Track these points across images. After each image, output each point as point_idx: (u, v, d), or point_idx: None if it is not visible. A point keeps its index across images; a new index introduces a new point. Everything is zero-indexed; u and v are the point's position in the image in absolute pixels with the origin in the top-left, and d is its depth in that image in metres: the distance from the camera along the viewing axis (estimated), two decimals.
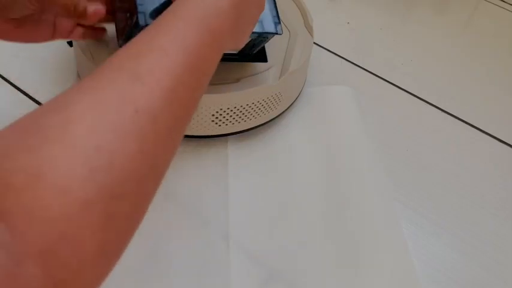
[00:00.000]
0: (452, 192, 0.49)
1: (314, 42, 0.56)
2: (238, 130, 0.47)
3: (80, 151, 0.19)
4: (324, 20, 0.70)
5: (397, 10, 0.75)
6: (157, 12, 0.36)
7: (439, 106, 0.59)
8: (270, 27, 0.40)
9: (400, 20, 0.74)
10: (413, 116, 0.57)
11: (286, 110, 0.51)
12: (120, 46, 0.36)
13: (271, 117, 0.49)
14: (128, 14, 0.38)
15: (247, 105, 0.45)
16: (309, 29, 0.53)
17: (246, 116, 0.46)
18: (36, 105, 0.50)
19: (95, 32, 0.44)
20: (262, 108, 0.47)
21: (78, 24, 0.42)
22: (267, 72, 0.47)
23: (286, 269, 0.40)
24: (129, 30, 0.39)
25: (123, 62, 0.23)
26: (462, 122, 0.58)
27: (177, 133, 0.25)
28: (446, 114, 0.59)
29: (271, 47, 0.50)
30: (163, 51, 0.24)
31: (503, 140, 0.56)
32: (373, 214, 0.44)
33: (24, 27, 0.38)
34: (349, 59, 0.64)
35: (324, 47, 0.66)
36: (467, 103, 0.60)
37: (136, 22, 0.36)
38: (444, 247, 0.45)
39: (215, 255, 0.40)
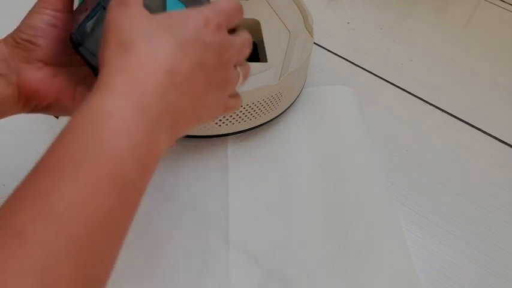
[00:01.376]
0: (453, 192, 0.49)
1: (314, 42, 0.56)
2: (238, 130, 0.47)
3: None
4: (324, 20, 0.70)
5: (397, 10, 0.75)
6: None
7: (439, 106, 0.59)
8: None
9: (400, 20, 0.74)
10: (413, 116, 0.57)
11: (286, 110, 0.51)
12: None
13: (271, 117, 0.49)
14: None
15: (247, 105, 0.45)
16: (309, 29, 0.53)
17: (246, 116, 0.46)
18: None
19: None
20: (262, 108, 0.47)
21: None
22: (267, 72, 0.47)
23: (286, 269, 0.40)
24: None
25: None
26: (462, 122, 0.58)
27: None
28: (446, 114, 0.59)
29: (271, 47, 0.50)
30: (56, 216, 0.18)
31: (504, 140, 0.56)
32: (373, 214, 0.44)
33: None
34: (349, 59, 0.64)
35: (324, 47, 0.66)
36: (467, 103, 0.60)
37: None
38: (444, 247, 0.45)
39: (215, 255, 0.40)
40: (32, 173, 0.21)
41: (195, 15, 0.26)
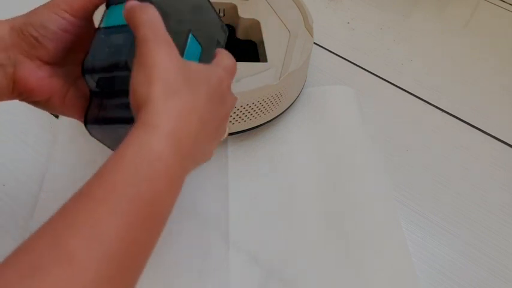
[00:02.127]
0: (452, 192, 0.49)
1: (314, 42, 0.56)
2: (238, 130, 0.47)
3: None
4: (324, 20, 0.70)
5: (397, 10, 0.75)
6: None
7: (439, 106, 0.59)
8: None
9: (400, 20, 0.74)
10: (413, 116, 0.57)
11: (286, 110, 0.51)
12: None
13: (271, 117, 0.49)
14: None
15: (247, 105, 0.45)
16: (309, 29, 0.53)
17: (246, 116, 0.46)
18: None
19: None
20: (262, 108, 0.47)
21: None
22: (267, 72, 0.47)
23: (286, 269, 0.40)
24: None
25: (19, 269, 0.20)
26: (462, 122, 0.58)
27: None
28: (446, 114, 0.59)
29: (271, 47, 0.50)
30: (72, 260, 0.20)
31: (504, 140, 0.56)
32: (373, 214, 0.44)
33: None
34: (349, 59, 0.64)
35: (324, 47, 0.66)
36: (467, 103, 0.60)
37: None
38: (444, 247, 0.45)
39: (215, 255, 0.40)
40: (84, 194, 0.23)
41: (214, 73, 0.29)
